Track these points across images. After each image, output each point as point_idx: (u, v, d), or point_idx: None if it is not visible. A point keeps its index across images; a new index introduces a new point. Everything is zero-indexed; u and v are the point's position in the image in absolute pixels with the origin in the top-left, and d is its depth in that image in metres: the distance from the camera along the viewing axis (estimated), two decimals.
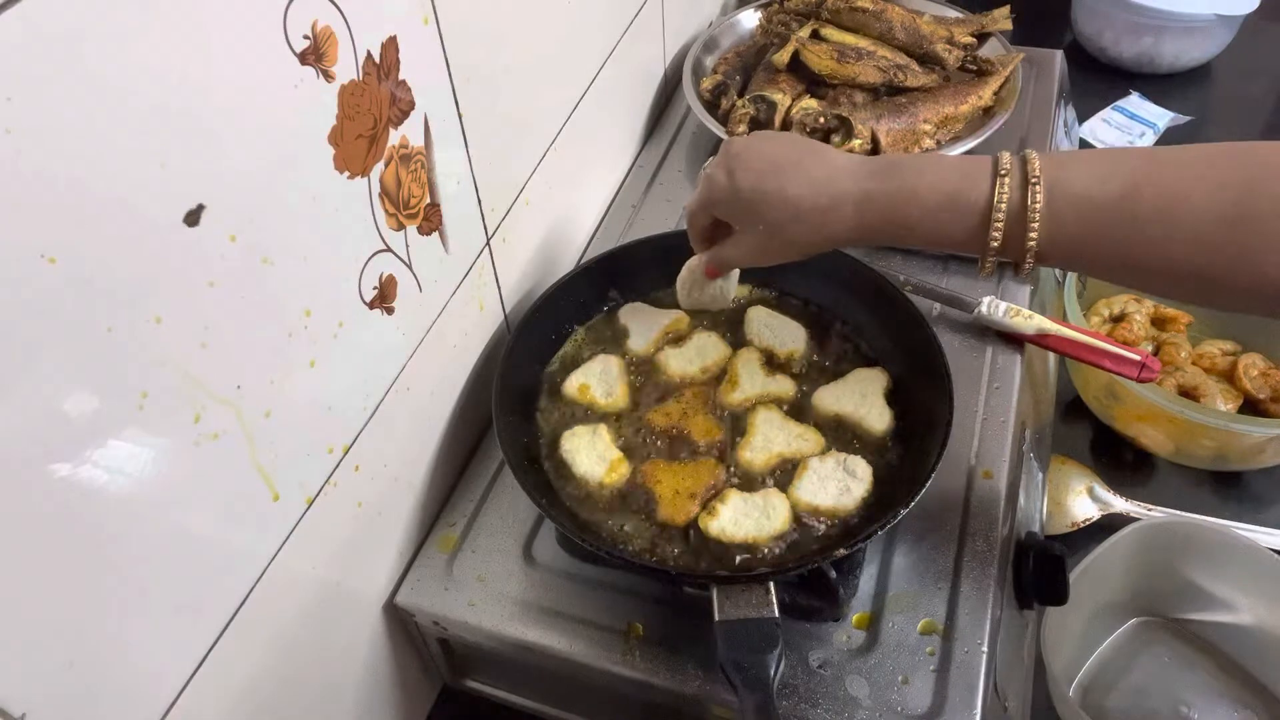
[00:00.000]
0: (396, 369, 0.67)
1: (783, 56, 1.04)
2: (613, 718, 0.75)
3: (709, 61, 1.13)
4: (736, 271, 0.77)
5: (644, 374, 0.79)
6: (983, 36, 1.10)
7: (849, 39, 1.07)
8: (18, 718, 0.41)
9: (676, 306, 0.80)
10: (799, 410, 0.75)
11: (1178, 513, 0.93)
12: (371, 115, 0.57)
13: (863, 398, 0.74)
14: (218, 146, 0.46)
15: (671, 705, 0.66)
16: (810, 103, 1.00)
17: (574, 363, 0.80)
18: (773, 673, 0.57)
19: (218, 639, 0.53)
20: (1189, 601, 0.87)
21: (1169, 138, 1.40)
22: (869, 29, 1.07)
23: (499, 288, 0.81)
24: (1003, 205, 0.55)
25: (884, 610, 0.67)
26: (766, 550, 0.66)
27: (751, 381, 0.76)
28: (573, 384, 0.77)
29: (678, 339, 0.81)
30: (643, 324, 0.82)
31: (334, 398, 0.60)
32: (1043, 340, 0.84)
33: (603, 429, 0.74)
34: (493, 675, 0.78)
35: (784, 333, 0.80)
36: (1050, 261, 0.56)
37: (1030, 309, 0.85)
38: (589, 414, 0.76)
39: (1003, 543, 0.71)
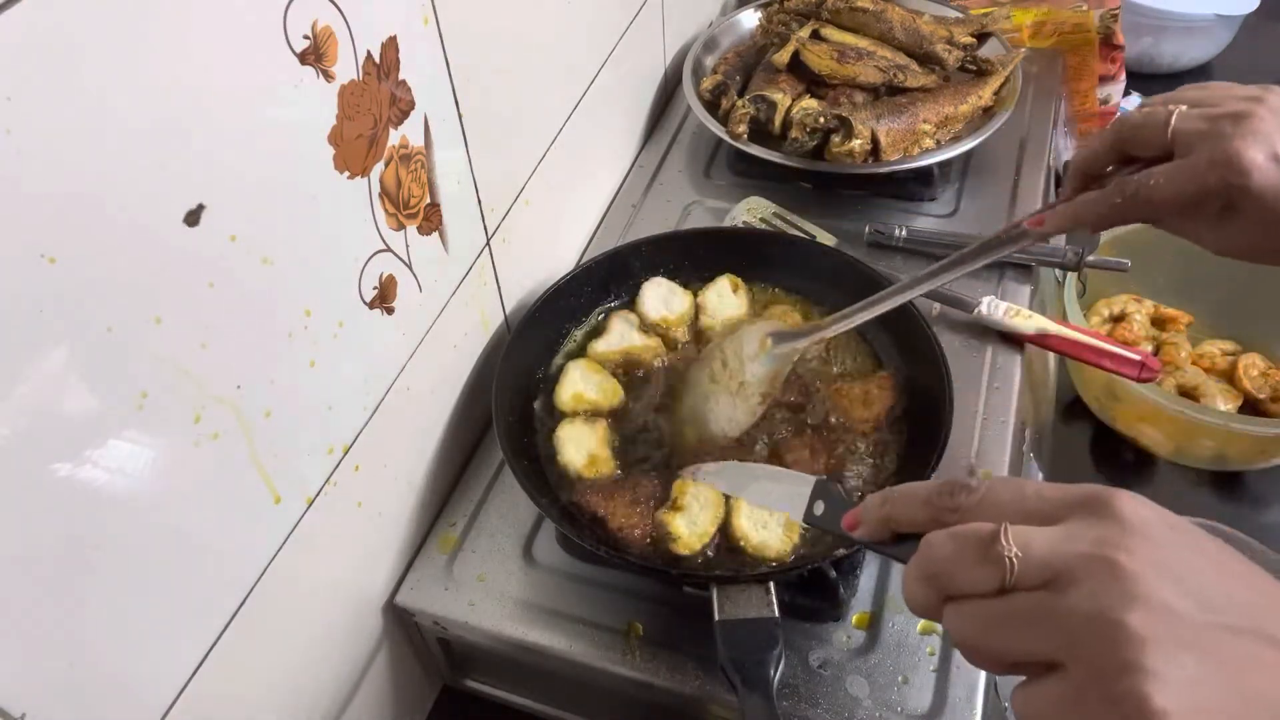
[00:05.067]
0: (396, 369, 0.67)
1: (783, 56, 1.04)
2: (613, 718, 0.75)
3: (709, 61, 1.13)
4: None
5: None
6: (983, 36, 1.10)
7: (849, 39, 1.07)
8: (18, 718, 0.41)
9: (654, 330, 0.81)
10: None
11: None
12: (371, 115, 0.57)
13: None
14: (218, 146, 0.46)
15: (671, 705, 0.66)
16: (810, 103, 1.00)
17: None
18: (773, 673, 0.57)
19: (218, 639, 0.53)
20: None
21: None
22: (869, 29, 1.07)
23: (499, 288, 0.81)
24: None
25: (884, 610, 0.67)
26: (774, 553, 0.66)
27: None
28: (566, 397, 0.76)
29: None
30: (618, 332, 0.82)
31: (334, 398, 0.60)
32: (1043, 340, 0.84)
33: (601, 426, 0.74)
34: (493, 675, 0.78)
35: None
36: None
37: (1030, 309, 0.85)
38: (593, 414, 0.76)
39: None
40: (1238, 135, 0.49)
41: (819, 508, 0.50)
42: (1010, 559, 0.35)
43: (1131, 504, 0.36)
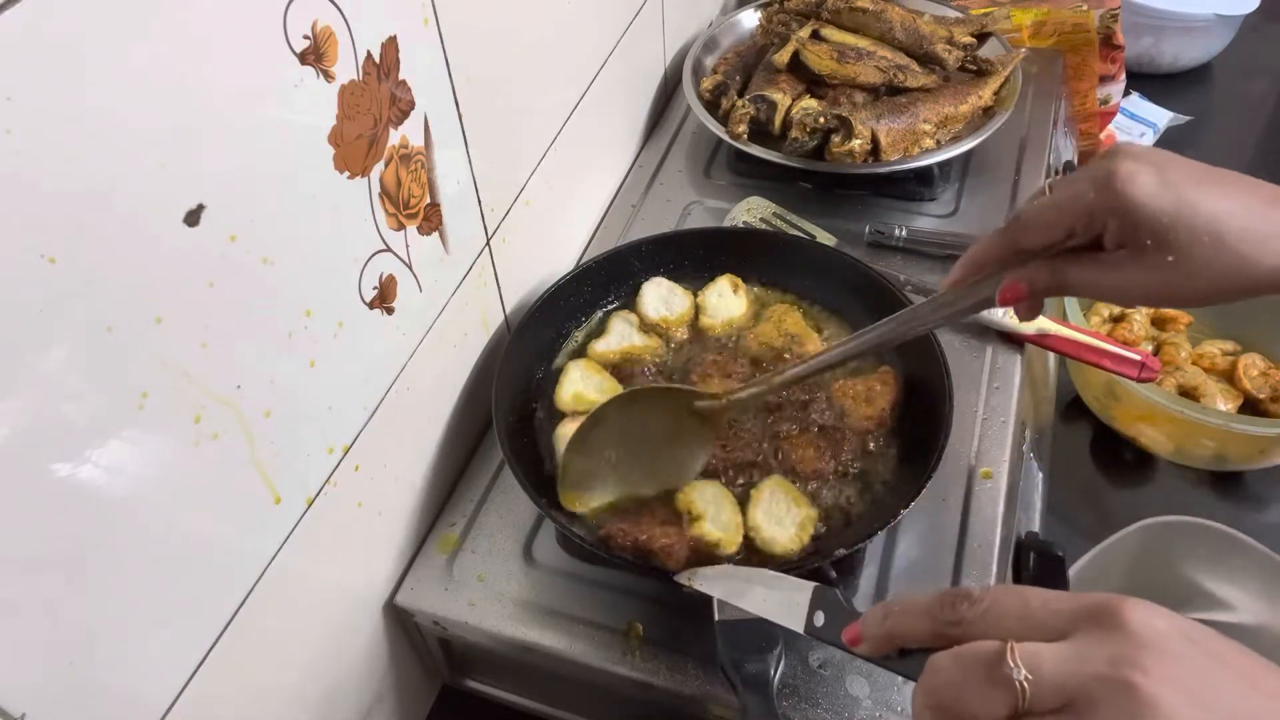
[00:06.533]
0: (396, 369, 0.67)
1: (783, 56, 1.04)
2: (612, 718, 0.75)
3: (709, 61, 1.13)
4: None
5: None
6: (983, 36, 1.10)
7: (849, 39, 1.07)
8: (18, 718, 0.41)
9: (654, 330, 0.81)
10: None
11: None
12: (371, 115, 0.57)
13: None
14: (218, 146, 0.46)
15: (671, 705, 0.66)
16: (810, 103, 1.00)
17: None
18: (773, 673, 0.57)
19: (218, 639, 0.53)
20: (1190, 601, 0.87)
21: (1169, 138, 1.40)
22: (869, 29, 1.07)
23: (499, 288, 0.81)
24: None
25: None
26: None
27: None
28: (566, 397, 0.76)
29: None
30: (618, 332, 0.82)
31: (334, 398, 0.60)
32: (1043, 340, 0.84)
33: None
34: (493, 675, 0.78)
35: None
36: None
37: None
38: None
39: (1002, 543, 0.71)
40: (1112, 159, 0.48)
41: (819, 618, 0.48)
42: (1020, 683, 0.34)
43: (1144, 615, 0.34)
